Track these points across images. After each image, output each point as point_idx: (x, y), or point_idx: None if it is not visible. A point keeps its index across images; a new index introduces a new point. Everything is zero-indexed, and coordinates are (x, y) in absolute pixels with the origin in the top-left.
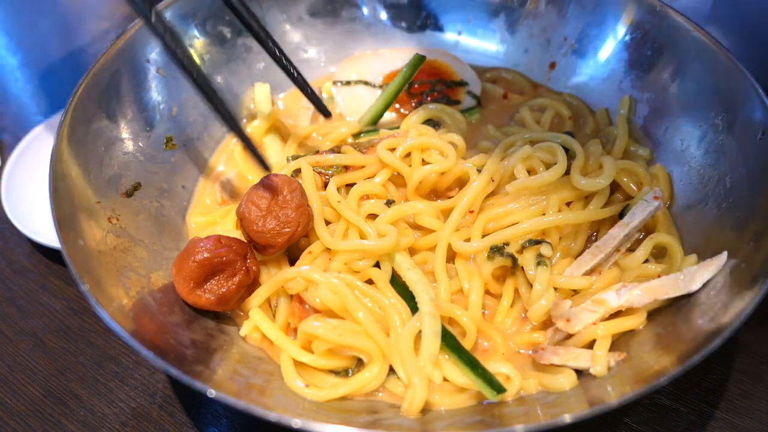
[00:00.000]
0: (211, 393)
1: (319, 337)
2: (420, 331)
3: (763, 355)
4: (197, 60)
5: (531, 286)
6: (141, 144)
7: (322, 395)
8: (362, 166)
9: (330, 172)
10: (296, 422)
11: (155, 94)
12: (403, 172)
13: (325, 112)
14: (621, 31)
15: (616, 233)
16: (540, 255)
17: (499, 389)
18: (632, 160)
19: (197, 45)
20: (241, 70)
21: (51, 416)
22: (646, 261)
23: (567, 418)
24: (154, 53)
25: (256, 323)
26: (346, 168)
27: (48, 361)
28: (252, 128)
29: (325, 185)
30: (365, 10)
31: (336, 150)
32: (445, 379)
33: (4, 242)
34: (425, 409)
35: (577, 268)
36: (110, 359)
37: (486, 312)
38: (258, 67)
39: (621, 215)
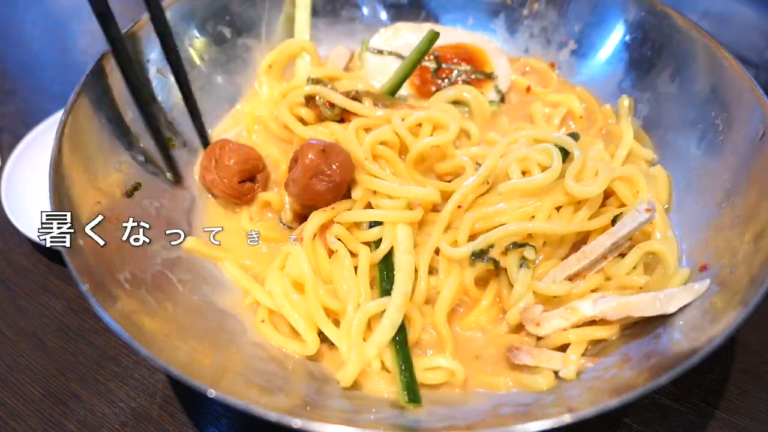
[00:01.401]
0: (211, 393)
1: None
2: (379, 312)
3: (763, 355)
4: (197, 60)
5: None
6: (141, 144)
7: (271, 336)
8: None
9: (329, 112)
10: (296, 422)
11: (155, 94)
12: (406, 141)
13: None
14: (621, 31)
15: (604, 241)
16: (523, 258)
17: (411, 399)
18: (635, 162)
19: (197, 45)
20: (241, 69)
21: (51, 416)
22: (635, 269)
23: (567, 418)
24: (154, 53)
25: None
26: (344, 112)
27: (48, 361)
28: (290, 41)
29: (320, 119)
30: (365, 10)
31: (356, 96)
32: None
33: (4, 242)
34: (427, 409)
35: (561, 271)
36: (110, 359)
37: (461, 310)
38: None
39: (614, 222)
